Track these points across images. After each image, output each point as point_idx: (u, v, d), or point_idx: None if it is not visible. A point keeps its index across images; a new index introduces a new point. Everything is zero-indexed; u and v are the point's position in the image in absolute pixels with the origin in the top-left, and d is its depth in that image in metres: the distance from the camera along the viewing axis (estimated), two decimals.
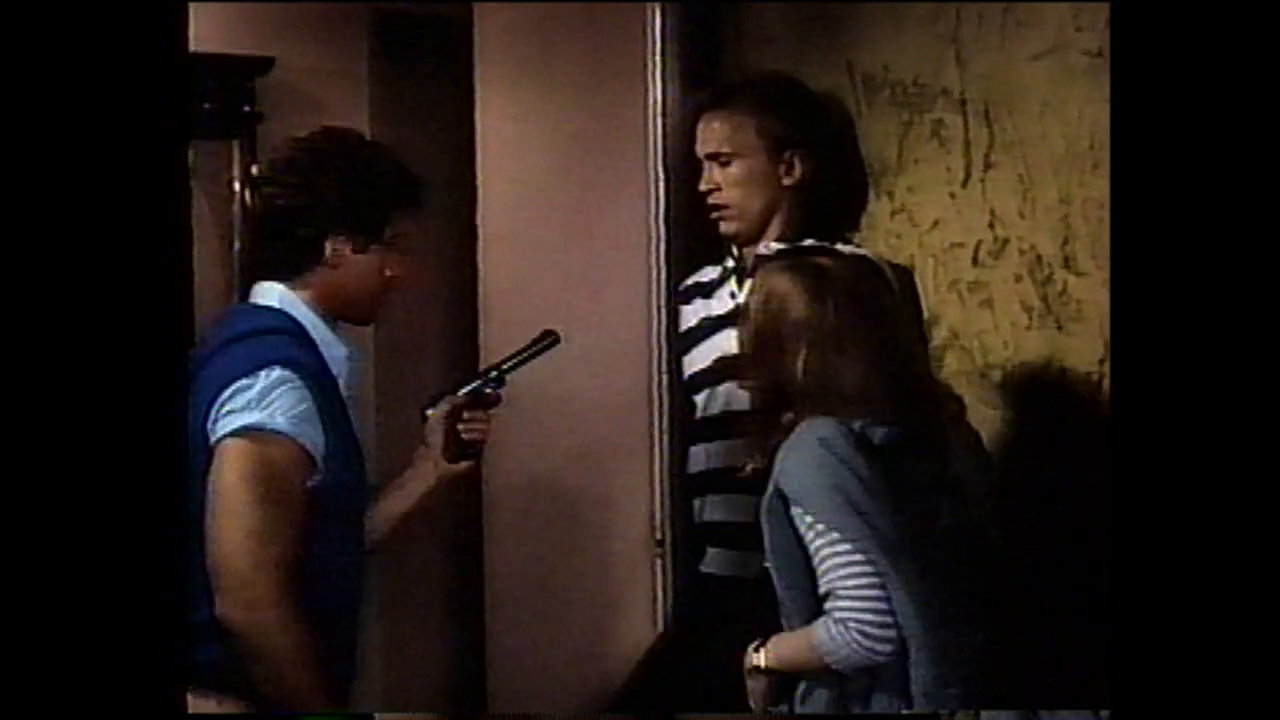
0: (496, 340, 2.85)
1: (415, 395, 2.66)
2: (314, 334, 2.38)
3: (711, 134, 2.95)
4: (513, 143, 3.27)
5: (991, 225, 2.80)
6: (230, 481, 2.21)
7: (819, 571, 2.27)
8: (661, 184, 3.23)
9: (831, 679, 2.30)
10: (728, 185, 2.93)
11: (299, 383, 2.28)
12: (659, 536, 3.25)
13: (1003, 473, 2.65)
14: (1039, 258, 2.71)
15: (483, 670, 3.29)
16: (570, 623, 3.25)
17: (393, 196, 2.43)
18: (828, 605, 2.26)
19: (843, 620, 2.23)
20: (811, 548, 2.27)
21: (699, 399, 3.02)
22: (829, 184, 2.98)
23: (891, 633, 2.22)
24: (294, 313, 2.38)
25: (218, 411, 2.24)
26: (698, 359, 3.04)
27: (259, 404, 2.24)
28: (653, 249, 3.24)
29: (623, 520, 3.26)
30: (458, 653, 3.48)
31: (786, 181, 2.93)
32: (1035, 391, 2.74)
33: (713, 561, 2.99)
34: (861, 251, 2.91)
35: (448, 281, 3.47)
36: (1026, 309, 2.74)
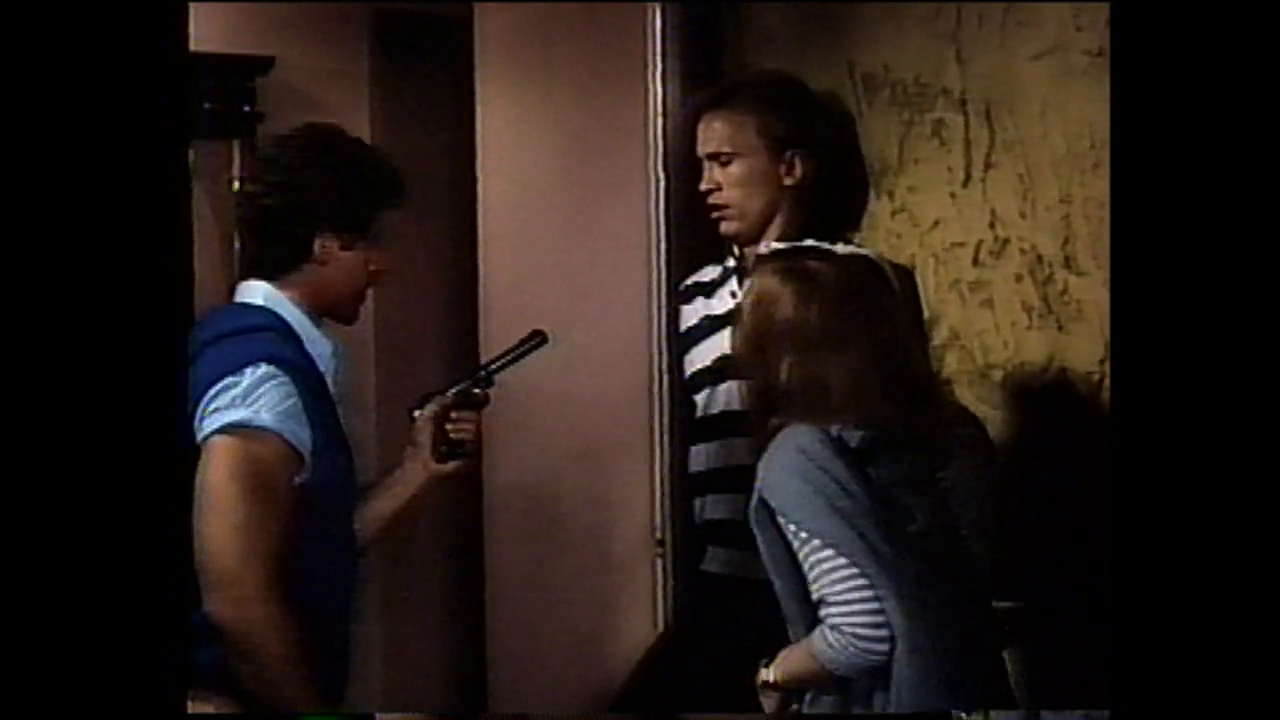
0: (496, 340, 2.84)
1: (415, 395, 2.66)
2: (300, 331, 2.38)
3: (712, 134, 2.95)
4: (513, 142, 3.27)
5: (992, 225, 2.80)
6: (217, 478, 2.21)
7: (809, 578, 2.27)
8: (662, 184, 3.23)
9: (838, 686, 2.30)
10: (728, 185, 2.93)
11: (285, 379, 2.28)
12: (659, 536, 3.24)
13: (1003, 473, 2.64)
14: (1039, 257, 2.71)
15: (483, 670, 3.29)
16: (570, 622, 3.25)
17: (379, 192, 2.43)
18: (821, 612, 2.26)
19: (836, 626, 2.24)
20: (800, 555, 2.28)
21: (699, 398, 3.02)
22: (830, 184, 2.98)
23: (885, 633, 2.22)
24: (279, 310, 2.38)
25: (204, 409, 2.25)
26: (698, 358, 3.04)
27: (245, 401, 2.25)
28: (653, 249, 3.24)
29: (623, 520, 3.26)
30: (458, 652, 3.48)
31: (787, 181, 2.93)
32: (1036, 391, 2.74)
33: (713, 561, 2.99)
34: (863, 251, 2.89)
35: (448, 281, 3.47)
36: (1027, 309, 2.74)
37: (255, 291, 2.40)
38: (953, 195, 2.88)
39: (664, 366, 3.21)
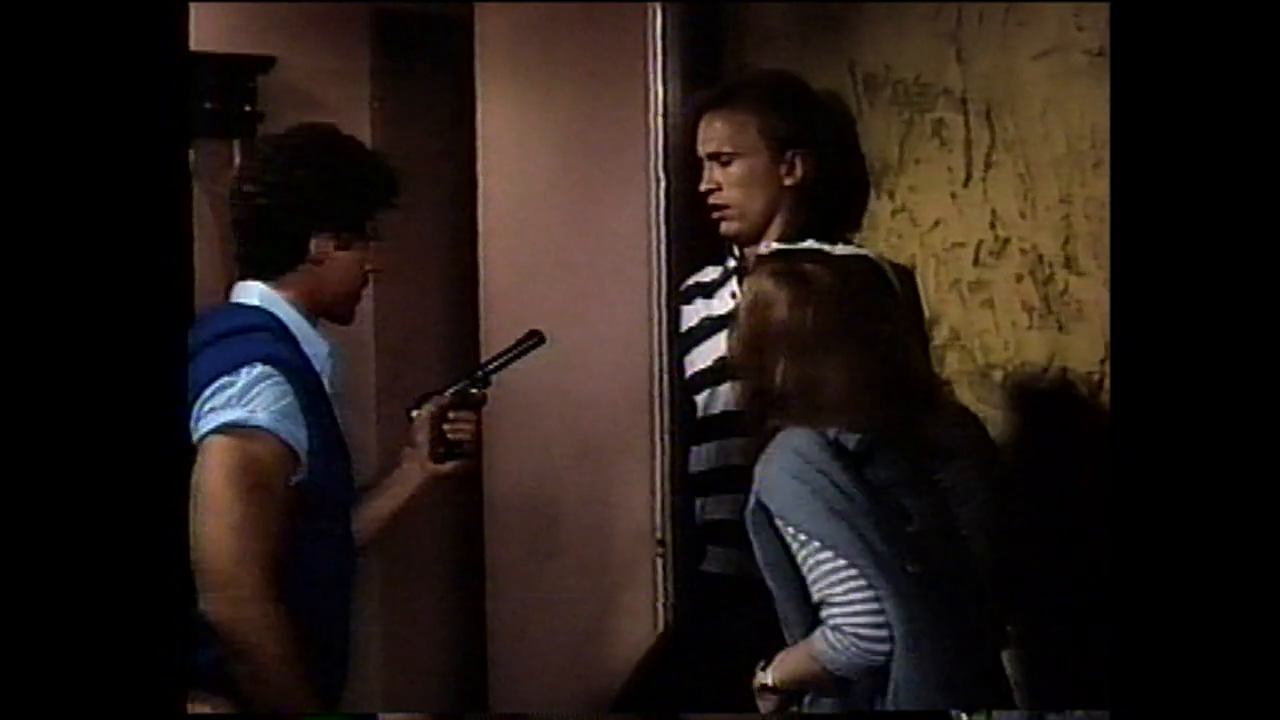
0: (496, 340, 2.84)
1: (415, 395, 2.66)
2: (296, 331, 2.38)
3: (713, 133, 2.95)
4: (514, 142, 3.27)
5: (993, 225, 2.80)
6: (213, 478, 2.21)
7: (809, 580, 2.28)
8: (662, 184, 3.24)
9: (837, 688, 2.30)
10: (729, 185, 2.93)
11: (280, 379, 2.28)
12: (659, 536, 3.25)
13: (1003, 473, 2.64)
14: (1040, 257, 2.71)
15: (483, 670, 3.29)
16: (570, 622, 3.25)
17: (375, 192, 2.43)
18: (822, 614, 2.26)
19: (838, 627, 2.24)
20: (798, 557, 2.28)
21: (700, 399, 3.02)
22: (830, 184, 2.98)
23: (886, 633, 2.22)
24: (275, 310, 2.38)
25: (200, 409, 2.25)
26: (699, 359, 3.04)
27: (240, 400, 2.24)
28: (653, 248, 3.24)
29: (623, 520, 3.27)
30: (458, 652, 3.48)
31: (788, 181, 2.93)
32: (1036, 391, 2.74)
33: (714, 561, 2.99)
34: (863, 251, 2.90)
35: (448, 281, 3.47)
36: (1027, 309, 2.73)
37: (251, 292, 2.40)
38: (953, 195, 2.88)
39: (664, 366, 3.21)
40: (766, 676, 2.37)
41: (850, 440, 2.30)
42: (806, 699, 2.36)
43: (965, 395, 2.83)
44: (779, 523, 2.29)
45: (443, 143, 3.40)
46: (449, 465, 2.60)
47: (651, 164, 3.25)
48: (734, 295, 2.94)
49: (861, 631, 2.23)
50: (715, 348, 2.95)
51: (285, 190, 2.36)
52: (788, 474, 2.28)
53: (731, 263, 3.01)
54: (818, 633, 2.27)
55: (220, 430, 2.23)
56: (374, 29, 3.39)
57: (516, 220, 3.26)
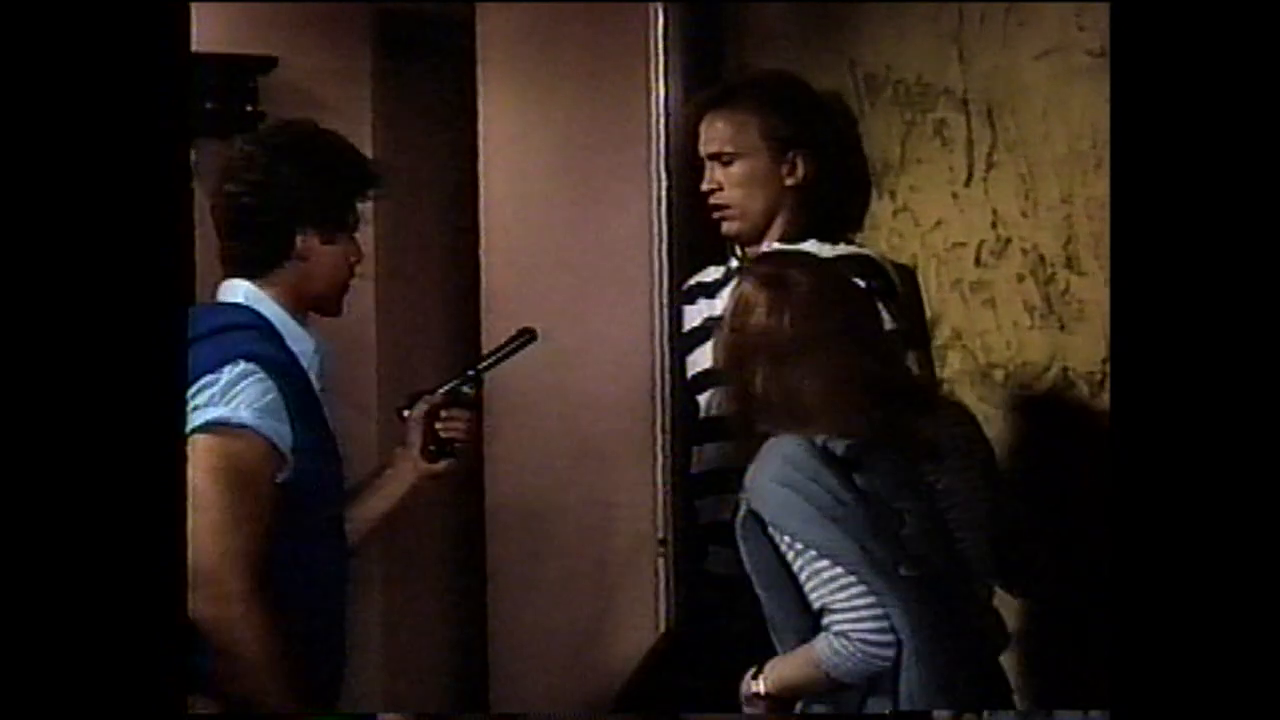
0: (498, 340, 2.84)
1: (408, 395, 2.67)
2: (281, 328, 2.38)
3: (714, 133, 2.95)
4: (515, 142, 3.27)
5: (994, 225, 2.80)
6: (196, 476, 2.19)
7: (807, 589, 2.27)
8: (664, 184, 3.24)
9: (831, 695, 2.30)
10: (730, 185, 2.93)
11: (263, 376, 2.28)
12: (660, 536, 3.25)
13: (1004, 473, 2.64)
14: (1041, 257, 2.70)
15: (484, 670, 3.29)
16: (572, 622, 3.25)
17: (357, 184, 2.44)
18: (825, 621, 2.26)
19: (843, 633, 2.23)
20: (794, 566, 2.28)
21: (702, 400, 3.02)
22: (831, 184, 2.98)
23: (890, 637, 2.22)
24: (260, 308, 2.38)
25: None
26: (701, 359, 3.03)
27: (223, 398, 2.24)
28: (655, 248, 3.24)
29: (624, 519, 3.27)
30: (459, 653, 3.48)
31: (789, 181, 2.93)
32: (1037, 391, 2.73)
33: (716, 561, 2.99)
34: (865, 251, 2.91)
35: (449, 280, 3.47)
36: (1029, 309, 2.73)
37: (236, 291, 2.40)
38: (954, 195, 2.88)
39: (665, 366, 3.21)
40: (759, 685, 2.36)
41: (839, 446, 2.29)
42: (798, 706, 2.36)
43: (966, 395, 2.83)
44: (772, 531, 2.29)
45: (444, 142, 3.40)
46: (441, 464, 2.60)
47: (653, 164, 3.25)
48: None
49: (868, 637, 2.22)
50: None
51: (269, 189, 2.36)
52: (778, 482, 2.28)
53: (734, 263, 3.01)
54: (821, 639, 2.26)
55: (203, 429, 2.22)
56: (375, 29, 3.39)
57: (517, 220, 3.26)
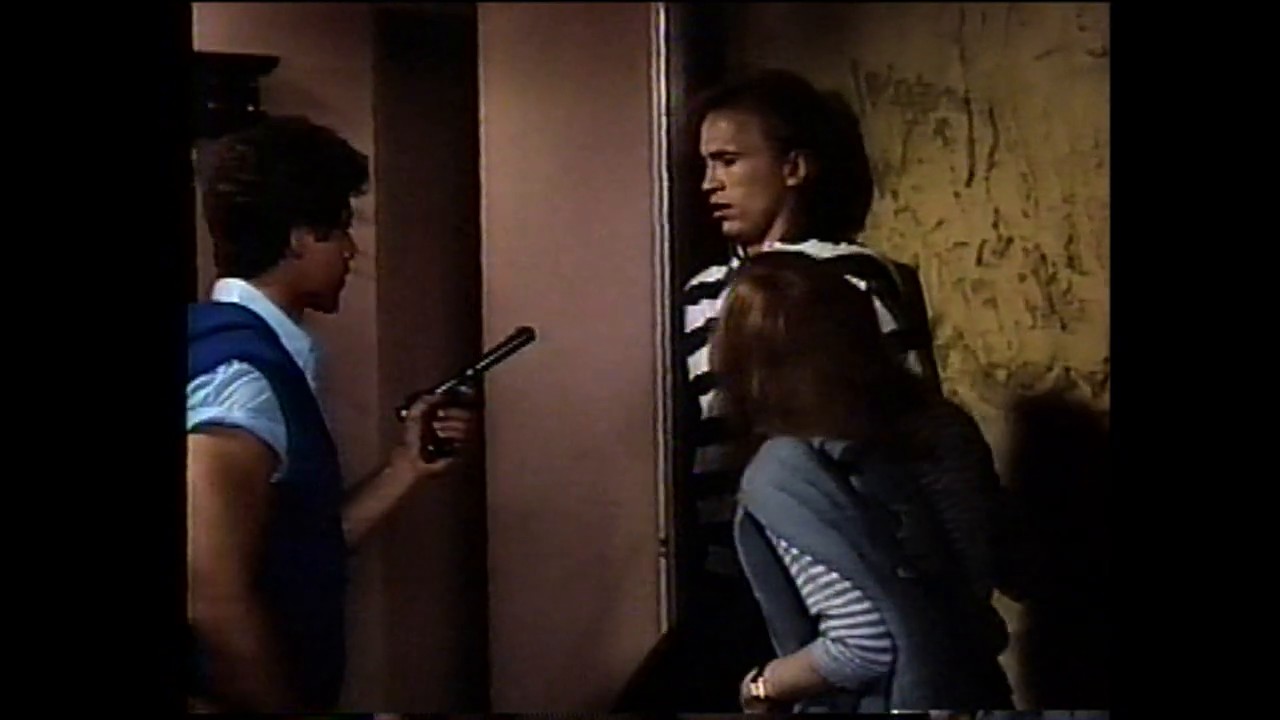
0: (500, 339, 2.84)
1: (406, 395, 2.67)
2: (276, 327, 2.38)
3: (716, 133, 2.95)
4: (517, 142, 3.27)
5: (995, 224, 2.80)
6: (190, 477, 2.20)
7: (804, 593, 2.27)
8: (666, 183, 3.24)
9: (829, 697, 2.30)
10: (731, 184, 2.93)
11: (257, 375, 2.27)
12: (662, 536, 3.25)
13: (1005, 472, 2.64)
14: (1043, 257, 2.70)
15: (485, 670, 3.29)
16: (573, 622, 3.25)
17: (349, 179, 2.43)
18: (822, 626, 2.25)
19: (841, 639, 2.23)
20: (792, 570, 2.28)
21: (705, 400, 3.02)
22: (833, 183, 2.98)
23: (886, 643, 2.22)
24: (255, 307, 2.38)
25: None
26: (703, 360, 3.03)
27: (216, 398, 2.24)
28: (657, 248, 3.24)
29: (626, 519, 3.26)
30: (460, 652, 3.48)
31: (790, 181, 2.93)
32: (1039, 391, 2.73)
33: (717, 561, 2.99)
34: (866, 251, 2.91)
35: (451, 280, 3.47)
36: (1030, 308, 2.73)
37: (231, 290, 2.40)
38: (956, 195, 2.88)
39: (667, 365, 3.21)
40: (758, 689, 2.36)
41: (836, 449, 2.29)
42: (796, 708, 2.36)
43: (968, 395, 2.83)
44: (769, 535, 2.29)
45: (445, 142, 3.40)
46: (440, 464, 2.60)
47: (654, 163, 3.25)
48: None
49: (865, 644, 2.22)
50: None
51: (263, 188, 2.36)
52: (774, 486, 2.27)
53: (735, 263, 3.01)
54: (818, 645, 2.26)
55: (196, 429, 2.21)
56: (376, 29, 3.39)
57: (519, 220, 3.26)
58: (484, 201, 3.24)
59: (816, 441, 2.29)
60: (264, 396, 2.26)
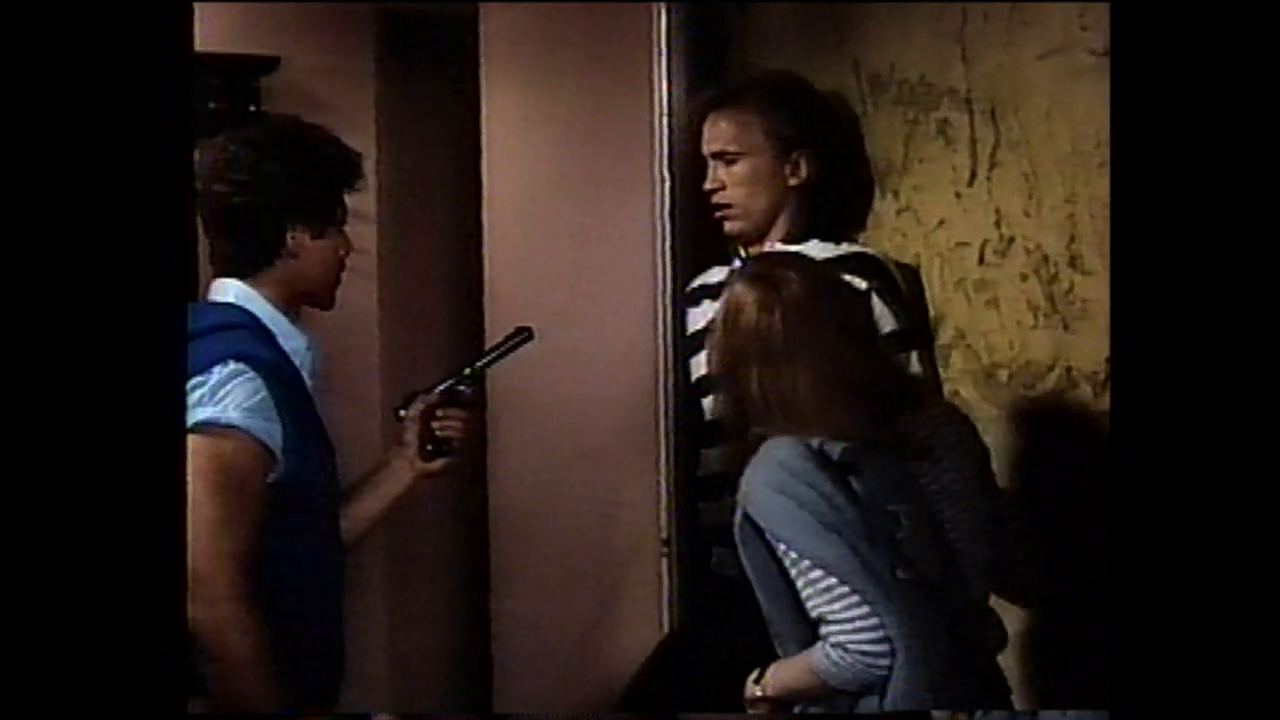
0: (499, 340, 2.84)
1: (404, 395, 2.66)
2: (272, 326, 2.38)
3: (717, 133, 2.95)
4: (518, 142, 3.26)
5: (997, 224, 2.80)
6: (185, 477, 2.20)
7: (803, 597, 2.27)
8: (667, 183, 3.24)
9: (830, 698, 2.30)
10: (733, 184, 2.93)
11: (253, 375, 2.27)
12: (664, 536, 3.24)
13: (1006, 472, 2.64)
14: (1045, 257, 2.70)
15: (486, 670, 3.29)
16: (575, 623, 3.25)
17: (343, 177, 2.43)
18: (822, 630, 2.26)
19: (840, 644, 2.23)
20: (791, 573, 2.28)
21: (707, 401, 3.02)
22: (834, 183, 2.98)
23: (885, 647, 2.22)
24: (251, 307, 2.38)
25: None
26: (705, 361, 3.03)
27: (212, 399, 2.24)
28: (658, 248, 3.24)
29: (628, 520, 3.26)
30: (461, 653, 3.48)
31: (792, 181, 2.93)
32: (1041, 391, 2.73)
33: (719, 561, 2.99)
34: (868, 251, 2.91)
35: (453, 280, 3.47)
36: (1032, 308, 2.73)
37: (227, 289, 2.40)
38: (958, 194, 2.88)
39: (669, 367, 3.21)
40: (760, 690, 2.36)
41: (834, 450, 2.29)
42: (796, 708, 2.36)
43: (970, 395, 2.83)
44: (768, 538, 2.29)
45: (447, 142, 3.39)
46: (438, 463, 2.61)
47: (656, 163, 3.25)
48: None
49: (865, 648, 2.22)
50: None
51: (257, 187, 2.36)
52: (772, 488, 2.27)
53: (737, 264, 3.01)
54: (818, 649, 2.26)
55: (193, 429, 2.22)
56: (378, 29, 3.39)
57: (521, 220, 3.26)
58: (485, 201, 3.24)
59: (815, 442, 2.29)
60: (259, 396, 2.26)
